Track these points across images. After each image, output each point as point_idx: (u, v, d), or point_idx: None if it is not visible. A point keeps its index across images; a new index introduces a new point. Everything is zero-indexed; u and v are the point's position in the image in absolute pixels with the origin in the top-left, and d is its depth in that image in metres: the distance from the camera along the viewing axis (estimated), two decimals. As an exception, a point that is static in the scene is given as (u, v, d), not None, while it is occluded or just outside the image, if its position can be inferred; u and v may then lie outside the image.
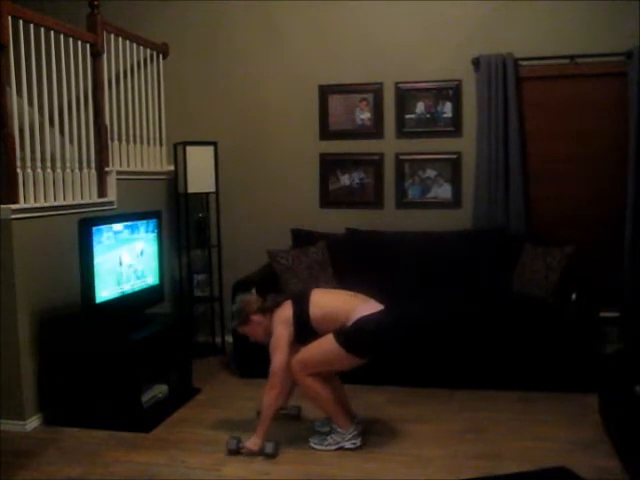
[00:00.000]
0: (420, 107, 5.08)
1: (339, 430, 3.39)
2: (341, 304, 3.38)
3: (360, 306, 3.34)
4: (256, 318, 3.48)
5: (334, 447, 3.37)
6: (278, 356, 3.32)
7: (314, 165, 5.28)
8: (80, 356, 3.73)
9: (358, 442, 3.39)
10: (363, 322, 3.28)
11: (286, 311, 3.42)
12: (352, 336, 3.29)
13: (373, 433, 3.58)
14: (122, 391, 3.71)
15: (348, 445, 3.36)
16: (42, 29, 3.91)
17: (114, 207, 4.46)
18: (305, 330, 3.37)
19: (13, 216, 3.59)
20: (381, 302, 3.41)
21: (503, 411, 3.83)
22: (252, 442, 3.33)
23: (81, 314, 3.73)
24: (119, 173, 4.57)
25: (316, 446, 3.39)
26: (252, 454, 3.30)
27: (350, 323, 3.29)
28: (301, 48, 5.23)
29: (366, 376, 3.86)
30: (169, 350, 4.13)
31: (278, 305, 3.47)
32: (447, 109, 5.04)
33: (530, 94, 4.90)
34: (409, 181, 5.14)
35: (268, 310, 3.48)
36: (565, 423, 3.66)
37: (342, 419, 3.40)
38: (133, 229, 4.05)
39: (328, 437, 3.40)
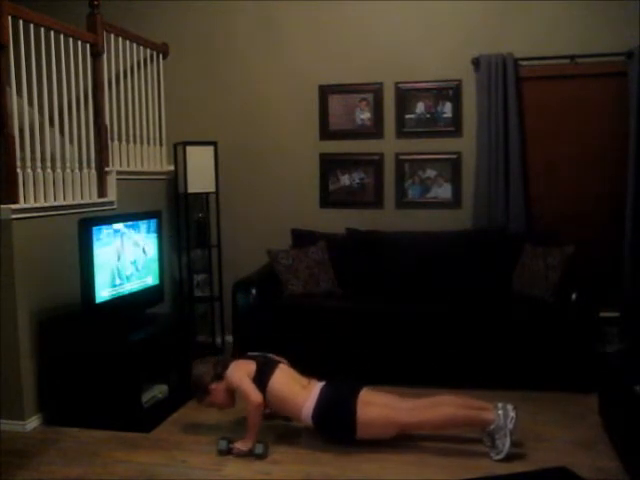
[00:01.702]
0: (420, 107, 5.08)
1: (491, 428, 3.26)
2: (296, 395, 3.42)
3: (307, 400, 3.38)
4: (214, 386, 3.54)
5: (508, 445, 3.20)
6: (252, 397, 3.37)
7: (314, 165, 5.28)
8: (80, 356, 3.73)
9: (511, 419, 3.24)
10: (324, 413, 3.35)
11: (249, 367, 3.50)
12: (334, 431, 3.40)
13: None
14: (122, 391, 3.70)
15: (510, 426, 3.22)
16: (42, 29, 3.91)
17: (114, 207, 4.46)
18: None
19: (13, 216, 3.59)
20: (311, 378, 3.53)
21: (503, 411, 3.83)
22: (242, 443, 3.34)
23: (81, 314, 3.73)
24: (119, 173, 4.57)
25: (498, 456, 3.21)
26: (242, 455, 3.31)
27: (308, 417, 3.36)
28: (301, 48, 5.23)
29: (367, 376, 3.86)
30: (169, 350, 4.13)
31: (226, 366, 3.53)
32: (447, 109, 5.04)
33: (530, 94, 4.90)
34: (409, 181, 5.14)
35: (222, 373, 3.53)
36: (565, 423, 3.66)
37: (481, 415, 3.30)
38: (133, 229, 4.05)
39: (497, 442, 3.25)
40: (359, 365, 4.24)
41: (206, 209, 5.29)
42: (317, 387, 3.44)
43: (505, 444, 3.20)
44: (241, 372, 3.47)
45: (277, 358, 3.64)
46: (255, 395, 3.36)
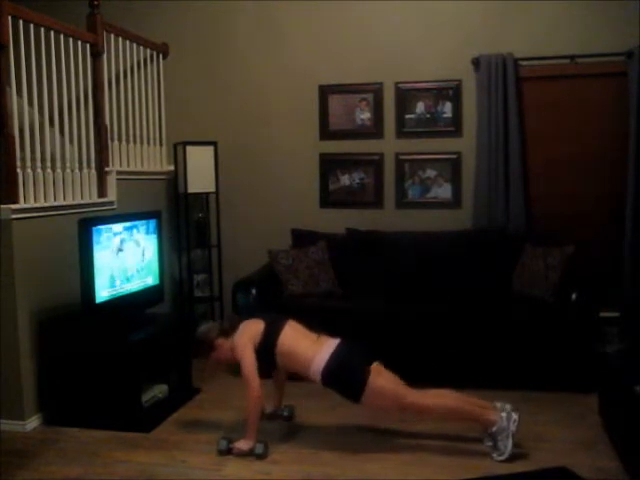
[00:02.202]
0: (420, 107, 5.08)
1: (493, 429, 3.26)
2: (306, 349, 3.40)
3: (318, 354, 3.36)
4: (221, 342, 3.54)
5: (510, 447, 3.20)
6: (245, 360, 3.37)
7: (314, 165, 5.28)
8: (80, 356, 3.73)
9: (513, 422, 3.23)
10: (335, 369, 3.33)
11: (257, 326, 3.48)
12: (342, 387, 3.36)
13: (373, 433, 3.58)
14: (122, 391, 3.70)
15: (513, 428, 3.22)
16: (42, 29, 3.91)
17: (114, 207, 4.45)
18: (264, 353, 3.42)
19: (13, 216, 3.59)
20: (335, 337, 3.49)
21: (503, 411, 3.83)
22: (242, 442, 3.34)
23: (81, 314, 3.73)
24: (119, 173, 4.57)
25: (501, 457, 3.21)
26: (242, 455, 3.30)
27: (317, 372, 3.33)
28: (301, 48, 5.23)
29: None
30: (169, 350, 4.13)
31: (235, 327, 3.52)
32: (447, 109, 5.04)
33: (530, 94, 4.90)
34: (409, 181, 5.14)
35: (230, 331, 3.53)
36: (565, 423, 3.66)
37: (485, 414, 3.30)
38: (133, 229, 4.05)
39: (499, 444, 3.24)
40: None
41: (206, 209, 5.29)
42: (330, 343, 3.41)
43: (507, 446, 3.21)
44: (248, 339, 3.42)
45: (285, 317, 3.61)
46: (249, 360, 3.34)
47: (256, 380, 3.35)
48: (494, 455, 3.24)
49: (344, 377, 3.35)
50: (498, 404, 3.34)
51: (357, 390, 3.30)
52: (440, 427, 3.60)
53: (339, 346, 3.39)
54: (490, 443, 3.30)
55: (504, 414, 3.26)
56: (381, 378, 3.33)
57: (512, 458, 3.21)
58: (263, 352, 3.42)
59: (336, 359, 3.34)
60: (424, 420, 3.53)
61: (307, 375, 3.41)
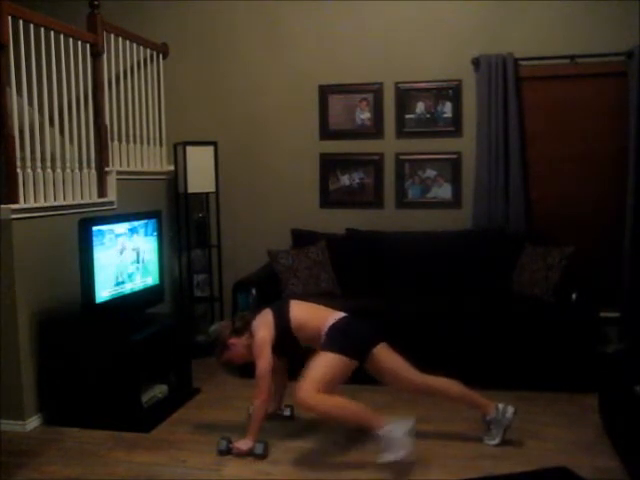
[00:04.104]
0: (420, 107, 5.08)
1: (489, 417, 3.37)
2: (315, 314, 3.48)
3: (330, 316, 3.43)
4: (234, 340, 3.53)
5: (501, 436, 3.35)
6: (262, 360, 3.36)
7: (314, 165, 5.28)
8: (80, 356, 3.73)
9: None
10: (342, 326, 3.38)
11: (267, 316, 3.49)
12: (344, 340, 3.33)
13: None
14: (122, 391, 3.70)
15: (508, 420, 3.34)
16: (42, 29, 3.91)
17: (114, 207, 4.46)
18: (284, 336, 3.44)
19: (13, 216, 3.59)
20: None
21: (503, 411, 3.83)
22: (242, 442, 3.33)
23: (81, 314, 3.73)
24: (119, 173, 4.57)
25: (492, 442, 3.37)
26: (242, 455, 3.30)
27: (324, 332, 3.36)
28: (301, 48, 5.23)
29: (368, 376, 3.85)
30: (169, 350, 4.13)
31: (249, 322, 3.52)
32: (447, 109, 5.04)
33: (530, 94, 4.90)
34: (409, 181, 5.14)
35: (243, 329, 3.53)
36: (565, 423, 3.66)
37: (482, 400, 3.40)
38: (133, 229, 4.05)
39: (492, 430, 3.38)
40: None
41: (206, 209, 5.29)
42: (340, 312, 3.47)
43: (499, 434, 3.35)
44: (265, 332, 3.42)
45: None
46: (265, 361, 3.34)
47: (268, 381, 3.35)
48: (485, 439, 3.38)
49: (352, 336, 3.36)
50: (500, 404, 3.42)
51: (363, 349, 3.33)
52: (441, 427, 3.60)
53: (350, 316, 3.46)
54: (485, 428, 3.41)
55: (501, 406, 3.36)
56: (387, 352, 3.38)
57: (512, 458, 3.22)
58: (282, 337, 3.43)
59: (347, 321, 3.41)
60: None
61: (320, 338, 3.37)
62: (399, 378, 3.43)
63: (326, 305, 3.56)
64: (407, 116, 5.10)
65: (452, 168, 5.06)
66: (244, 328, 3.53)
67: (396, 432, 3.08)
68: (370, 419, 3.19)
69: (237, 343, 3.52)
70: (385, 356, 3.40)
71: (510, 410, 3.35)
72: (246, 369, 4.45)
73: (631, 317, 4.63)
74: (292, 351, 3.57)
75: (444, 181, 5.09)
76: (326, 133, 5.25)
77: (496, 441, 3.36)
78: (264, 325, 3.46)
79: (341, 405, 3.21)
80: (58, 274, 3.89)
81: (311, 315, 3.48)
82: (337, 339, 3.33)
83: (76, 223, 3.68)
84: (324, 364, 3.26)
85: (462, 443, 3.43)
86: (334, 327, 3.38)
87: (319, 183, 5.29)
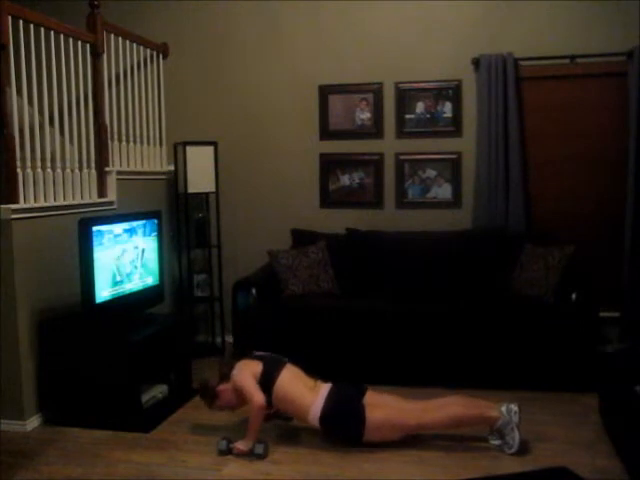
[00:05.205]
0: (420, 107, 5.08)
1: (497, 424, 3.30)
2: (302, 396, 3.40)
3: (315, 401, 3.37)
4: (222, 387, 3.52)
5: (518, 439, 3.25)
6: (245, 381, 3.39)
7: (314, 165, 5.28)
8: (80, 356, 3.73)
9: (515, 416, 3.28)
10: (334, 415, 3.35)
11: (256, 367, 3.47)
12: (348, 428, 3.35)
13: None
14: (122, 391, 3.70)
15: (516, 419, 3.27)
16: (42, 29, 3.91)
17: (114, 207, 4.45)
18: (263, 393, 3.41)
19: (13, 216, 3.59)
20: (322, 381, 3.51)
21: (503, 411, 3.83)
22: (242, 443, 3.34)
23: (81, 314, 3.73)
24: (119, 173, 4.57)
25: (511, 450, 3.26)
26: (242, 455, 3.30)
27: (311, 419, 3.36)
28: (301, 48, 5.23)
29: (367, 376, 3.86)
30: (169, 350, 4.13)
31: (233, 367, 3.51)
32: (447, 109, 5.04)
33: (530, 94, 4.90)
34: (409, 181, 5.14)
35: (229, 374, 3.51)
36: (565, 423, 3.66)
37: (487, 412, 3.34)
38: (133, 229, 4.05)
39: (507, 438, 3.29)
40: (359, 365, 4.24)
41: (206, 209, 5.29)
42: (324, 389, 3.42)
43: (515, 438, 3.25)
44: (246, 372, 3.45)
45: (284, 358, 3.61)
46: (258, 396, 3.35)
47: (257, 394, 3.35)
48: (505, 449, 3.28)
49: (342, 421, 3.36)
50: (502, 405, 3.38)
51: (357, 432, 3.32)
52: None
53: (331, 391, 3.41)
54: (497, 441, 3.34)
55: (504, 408, 3.31)
56: (377, 412, 3.34)
57: (512, 458, 3.21)
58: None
59: (331, 404, 3.36)
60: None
61: (305, 421, 3.43)
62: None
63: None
64: (407, 116, 5.10)
65: (452, 168, 5.06)
66: (230, 371, 3.51)
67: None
68: (478, 416, 3.35)
69: (225, 389, 3.51)
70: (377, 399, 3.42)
71: (514, 408, 3.30)
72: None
73: (631, 317, 4.63)
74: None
75: (444, 181, 5.09)
76: (326, 133, 5.25)
77: (516, 447, 3.23)
78: (249, 369, 3.46)
79: (435, 419, 3.36)
80: (58, 274, 3.89)
81: (296, 396, 3.40)
82: (343, 431, 3.37)
83: (76, 223, 3.68)
84: (379, 437, 3.34)
85: (462, 443, 3.43)
86: (327, 417, 3.34)
87: (319, 183, 5.29)
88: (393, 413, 3.36)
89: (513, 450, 3.24)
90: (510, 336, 4.15)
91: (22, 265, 3.66)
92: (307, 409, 3.37)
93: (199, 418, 3.85)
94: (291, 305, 4.52)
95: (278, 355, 3.64)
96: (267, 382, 3.42)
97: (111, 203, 4.45)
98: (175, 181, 5.28)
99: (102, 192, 4.42)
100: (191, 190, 5.08)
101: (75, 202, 4.12)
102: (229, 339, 5.01)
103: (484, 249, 4.68)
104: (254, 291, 4.46)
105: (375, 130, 5.16)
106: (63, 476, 3.17)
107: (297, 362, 3.65)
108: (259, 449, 3.30)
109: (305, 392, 3.41)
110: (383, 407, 3.38)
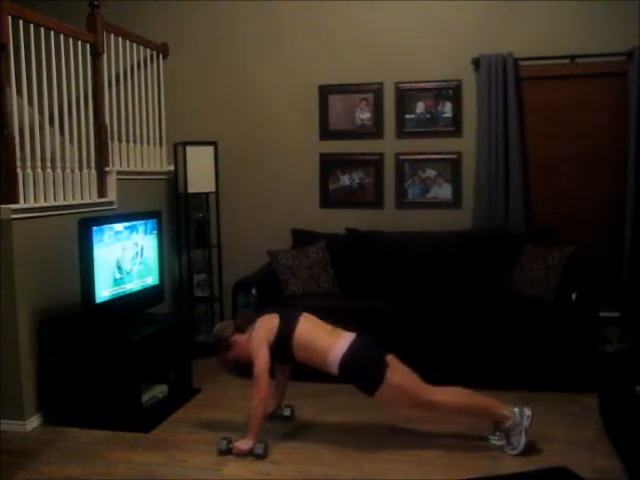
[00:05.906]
0: (420, 107, 5.08)
1: (507, 425, 3.28)
2: (322, 340, 3.39)
3: (335, 345, 3.35)
4: (237, 338, 3.51)
5: (523, 442, 3.24)
6: (260, 359, 3.35)
7: (314, 165, 5.28)
8: (80, 356, 3.73)
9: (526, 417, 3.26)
10: (354, 362, 3.32)
11: (272, 321, 3.46)
12: (366, 378, 3.33)
13: (373, 433, 3.58)
14: (122, 391, 3.70)
15: (526, 424, 3.25)
16: (42, 29, 3.91)
17: (114, 207, 4.45)
18: (281, 348, 3.41)
19: (13, 216, 3.59)
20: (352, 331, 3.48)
21: (503, 411, 3.83)
22: (243, 442, 3.33)
23: (81, 314, 3.73)
24: (119, 173, 4.57)
25: (514, 452, 3.25)
26: (242, 454, 3.30)
27: (334, 367, 3.33)
28: (301, 48, 5.23)
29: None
30: (169, 350, 4.13)
31: (252, 320, 3.50)
32: (447, 109, 5.04)
33: (530, 94, 4.90)
34: (409, 181, 5.14)
35: (245, 326, 3.51)
36: (565, 423, 3.66)
37: (499, 409, 3.32)
38: (133, 229, 4.05)
39: (512, 439, 3.27)
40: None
41: (206, 209, 5.29)
42: (346, 336, 3.40)
43: (521, 441, 3.24)
44: (261, 331, 3.41)
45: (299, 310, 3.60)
46: (263, 359, 3.33)
47: (266, 380, 3.34)
48: (507, 449, 3.27)
49: (362, 369, 3.35)
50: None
51: (374, 383, 3.30)
52: (441, 427, 3.60)
53: (357, 339, 3.39)
54: (500, 441, 3.33)
55: (516, 409, 3.29)
56: (397, 374, 3.33)
57: (512, 458, 3.22)
58: (280, 346, 3.41)
59: (354, 351, 3.34)
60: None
61: (324, 366, 3.38)
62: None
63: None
64: (407, 116, 5.10)
65: (452, 168, 5.06)
66: (247, 325, 3.51)
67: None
68: (491, 411, 3.35)
69: (240, 340, 3.50)
70: (398, 365, 3.40)
71: (527, 412, 3.27)
72: (245, 370, 4.47)
73: (631, 317, 4.63)
74: (287, 362, 3.57)
75: (444, 181, 5.08)
76: (326, 133, 5.25)
77: (519, 449, 3.23)
78: (266, 327, 3.45)
79: (449, 401, 3.38)
80: (58, 274, 3.89)
81: (316, 340, 3.39)
82: (361, 379, 3.35)
83: (76, 223, 3.68)
84: (390, 399, 3.37)
85: (462, 443, 3.43)
86: (347, 363, 3.32)
87: (319, 183, 5.29)
88: (410, 381, 3.35)
89: (515, 452, 3.24)
90: (510, 336, 4.15)
91: (22, 265, 3.66)
92: (327, 352, 3.34)
93: (199, 418, 3.85)
94: (291, 305, 4.51)
95: (294, 309, 3.63)
96: (286, 332, 3.40)
97: (111, 203, 4.45)
98: (175, 181, 5.29)
99: (102, 192, 4.42)
100: (191, 190, 5.08)
101: (75, 202, 4.12)
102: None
103: (484, 249, 4.68)
104: (254, 291, 4.46)
105: (375, 130, 5.16)
106: (63, 476, 3.17)
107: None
108: (259, 449, 3.30)
109: (325, 336, 3.41)
110: (402, 373, 3.37)
